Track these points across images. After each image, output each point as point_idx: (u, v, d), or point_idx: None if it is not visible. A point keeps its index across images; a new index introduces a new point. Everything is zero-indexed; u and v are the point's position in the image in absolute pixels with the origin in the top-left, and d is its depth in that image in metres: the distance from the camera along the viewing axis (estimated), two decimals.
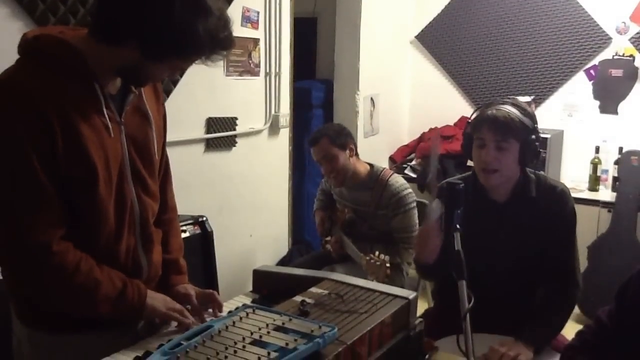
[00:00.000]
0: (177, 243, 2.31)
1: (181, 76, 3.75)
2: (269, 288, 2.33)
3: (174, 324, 2.05)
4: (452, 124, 6.18)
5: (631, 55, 5.46)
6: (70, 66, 1.79)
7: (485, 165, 2.62)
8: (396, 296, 2.05)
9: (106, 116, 1.85)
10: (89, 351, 1.84)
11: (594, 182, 5.48)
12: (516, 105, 2.64)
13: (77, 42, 1.80)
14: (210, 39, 1.75)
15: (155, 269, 2.13)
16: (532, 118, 2.64)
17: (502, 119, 2.56)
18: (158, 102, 2.13)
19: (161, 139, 2.13)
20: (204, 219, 3.76)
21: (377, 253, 3.35)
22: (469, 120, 2.74)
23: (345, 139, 3.91)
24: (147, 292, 1.98)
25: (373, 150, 5.66)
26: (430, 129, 6.22)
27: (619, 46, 5.51)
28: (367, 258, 3.37)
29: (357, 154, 4.01)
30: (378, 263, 3.30)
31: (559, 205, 2.70)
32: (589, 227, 5.09)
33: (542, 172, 2.86)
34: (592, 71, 5.66)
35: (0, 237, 1.78)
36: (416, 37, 6.46)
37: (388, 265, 3.27)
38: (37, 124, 1.70)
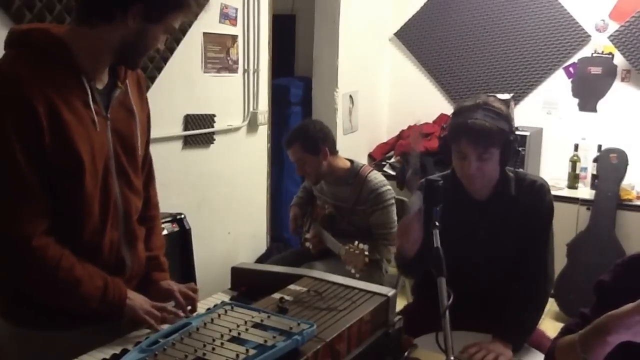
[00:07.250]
0: (159, 240, 2.32)
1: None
2: (248, 285, 2.34)
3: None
4: (431, 121, 6.18)
5: (610, 53, 5.50)
6: (58, 58, 1.81)
7: (469, 178, 2.64)
8: (375, 293, 2.07)
9: (92, 109, 1.86)
10: (73, 348, 1.84)
11: (573, 179, 5.52)
12: (489, 108, 2.60)
13: (65, 35, 1.84)
14: None
15: (138, 266, 2.14)
16: (507, 119, 2.62)
17: (481, 130, 2.52)
18: (142, 100, 2.15)
19: (144, 136, 2.15)
20: (182, 216, 3.74)
21: (356, 243, 3.36)
22: (444, 125, 2.73)
23: (317, 144, 3.86)
24: (127, 293, 1.98)
25: (352, 147, 5.64)
26: (410, 127, 6.22)
27: (598, 44, 5.55)
28: (347, 247, 3.38)
29: (335, 152, 4.00)
30: (357, 252, 3.31)
31: (537, 198, 2.71)
32: (568, 225, 5.11)
33: (521, 170, 2.85)
34: (571, 69, 5.69)
35: None
36: (395, 34, 6.47)
37: (367, 253, 3.29)
38: (24, 113, 1.71)
